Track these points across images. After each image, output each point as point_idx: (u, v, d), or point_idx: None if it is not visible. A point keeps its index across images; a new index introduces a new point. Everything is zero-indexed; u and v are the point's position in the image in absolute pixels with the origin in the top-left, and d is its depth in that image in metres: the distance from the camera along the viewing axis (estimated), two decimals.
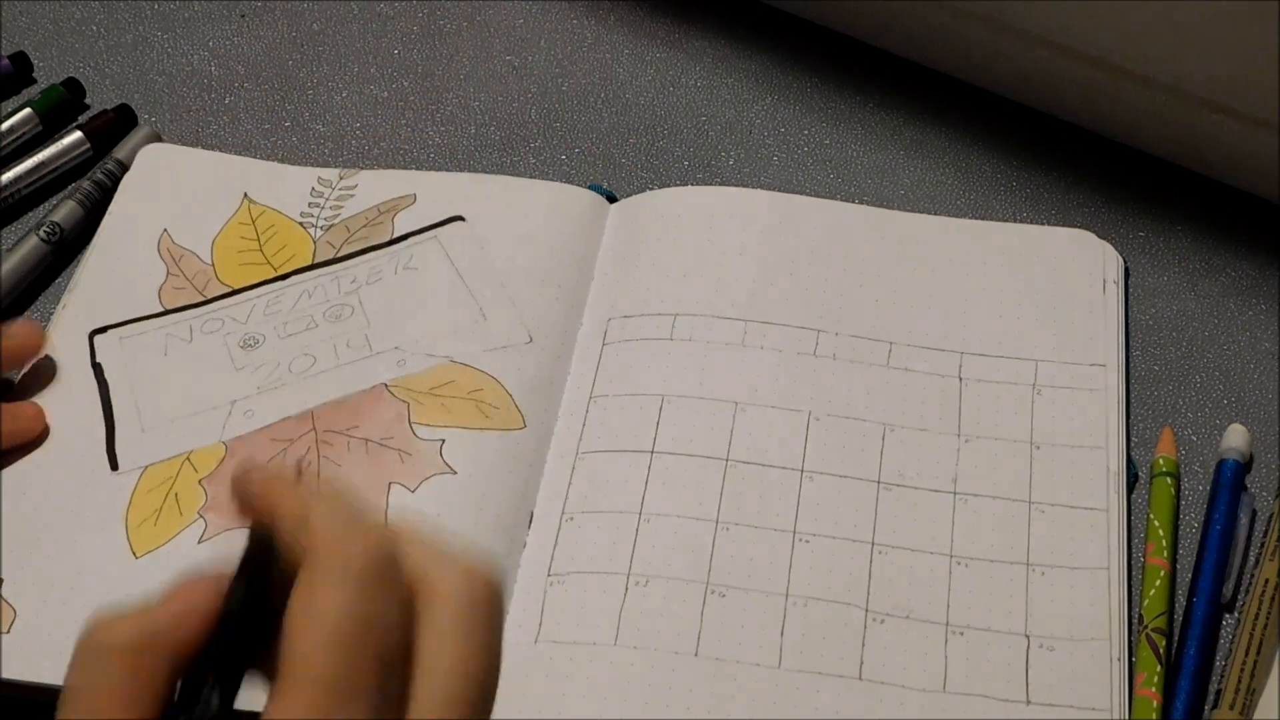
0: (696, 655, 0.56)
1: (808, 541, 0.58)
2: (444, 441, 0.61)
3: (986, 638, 0.56)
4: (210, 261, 0.68)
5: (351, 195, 0.70)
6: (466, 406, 0.62)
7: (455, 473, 0.60)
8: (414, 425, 0.62)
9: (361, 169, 0.71)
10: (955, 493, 0.60)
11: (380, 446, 0.61)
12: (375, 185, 0.70)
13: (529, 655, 0.56)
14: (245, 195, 0.70)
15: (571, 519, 0.60)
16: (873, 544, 0.58)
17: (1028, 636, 0.56)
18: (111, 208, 0.70)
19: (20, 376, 0.64)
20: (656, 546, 0.58)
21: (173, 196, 0.70)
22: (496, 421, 0.62)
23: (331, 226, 0.69)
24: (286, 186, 0.71)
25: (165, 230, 0.69)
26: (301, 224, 0.69)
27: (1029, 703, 0.55)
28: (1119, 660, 0.55)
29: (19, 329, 0.63)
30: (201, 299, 0.67)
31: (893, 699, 0.55)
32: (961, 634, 0.56)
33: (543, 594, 0.58)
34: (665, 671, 0.55)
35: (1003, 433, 0.61)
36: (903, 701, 0.55)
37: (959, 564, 0.58)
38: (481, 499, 0.60)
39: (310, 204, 0.70)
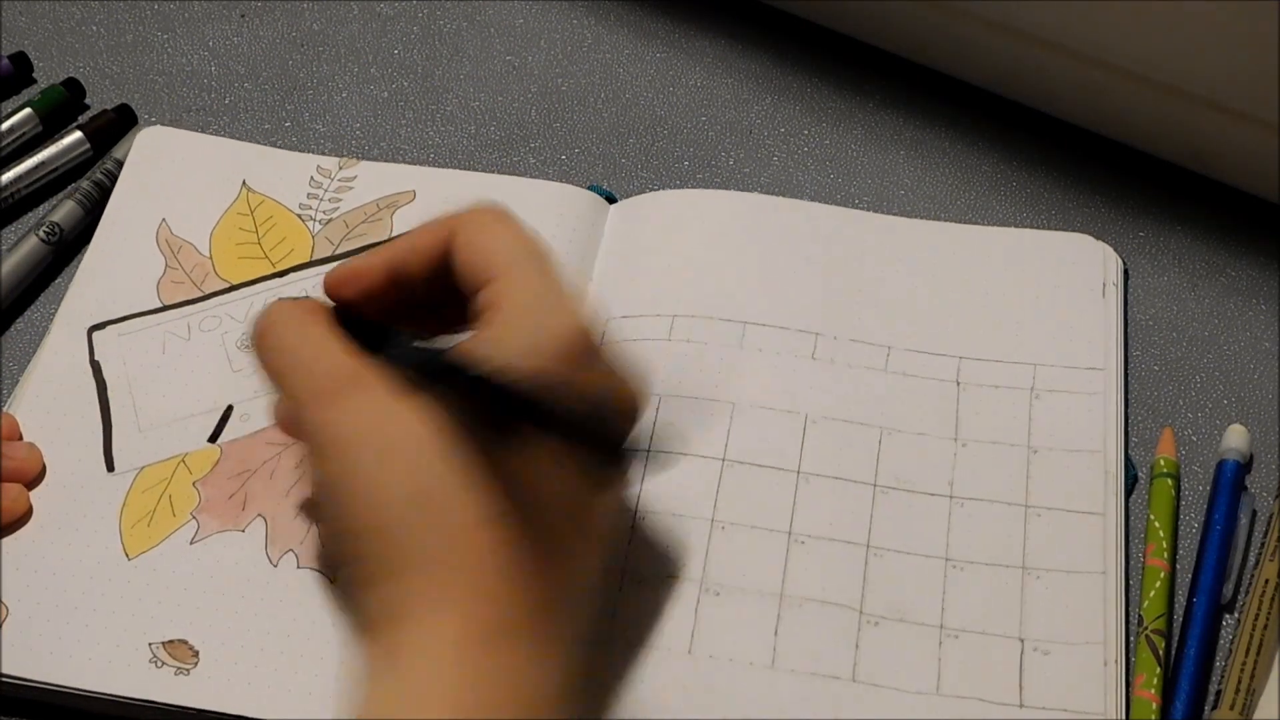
0: (690, 653, 0.56)
1: (803, 543, 0.58)
2: None
3: (981, 641, 0.56)
4: (208, 253, 0.68)
5: (350, 188, 0.70)
6: None
7: None
8: None
9: (361, 159, 0.71)
10: (951, 496, 0.60)
11: None
12: (374, 178, 0.70)
13: None
14: (244, 183, 0.70)
15: None
16: (868, 546, 0.58)
17: (1022, 640, 0.56)
18: (113, 196, 0.70)
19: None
20: (652, 546, 0.58)
21: (171, 183, 0.70)
22: None
23: (330, 221, 0.69)
24: (285, 174, 0.71)
25: (164, 220, 0.69)
26: (300, 216, 0.69)
27: (1022, 705, 0.55)
28: (1115, 663, 0.55)
29: (19, 449, 0.62)
30: (200, 294, 0.67)
31: (886, 701, 0.55)
32: (956, 637, 0.56)
33: None
34: (658, 670, 0.55)
35: (1000, 437, 0.61)
36: (896, 703, 0.55)
37: (954, 567, 0.58)
38: None
39: (309, 194, 0.70)
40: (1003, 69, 0.73)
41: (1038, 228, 0.69)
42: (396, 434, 0.48)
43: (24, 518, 0.60)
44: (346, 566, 0.49)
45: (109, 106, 0.75)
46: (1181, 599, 0.59)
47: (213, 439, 0.62)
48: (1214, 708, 0.56)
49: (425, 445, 0.47)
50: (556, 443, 0.47)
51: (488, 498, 0.47)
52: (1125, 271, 0.67)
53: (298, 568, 0.58)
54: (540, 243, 0.52)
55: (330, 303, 0.54)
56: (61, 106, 0.75)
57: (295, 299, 0.54)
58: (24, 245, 0.69)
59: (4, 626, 0.57)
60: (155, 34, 0.78)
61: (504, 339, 0.49)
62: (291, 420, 0.52)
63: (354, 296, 0.54)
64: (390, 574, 0.47)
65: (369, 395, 0.49)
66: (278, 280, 0.67)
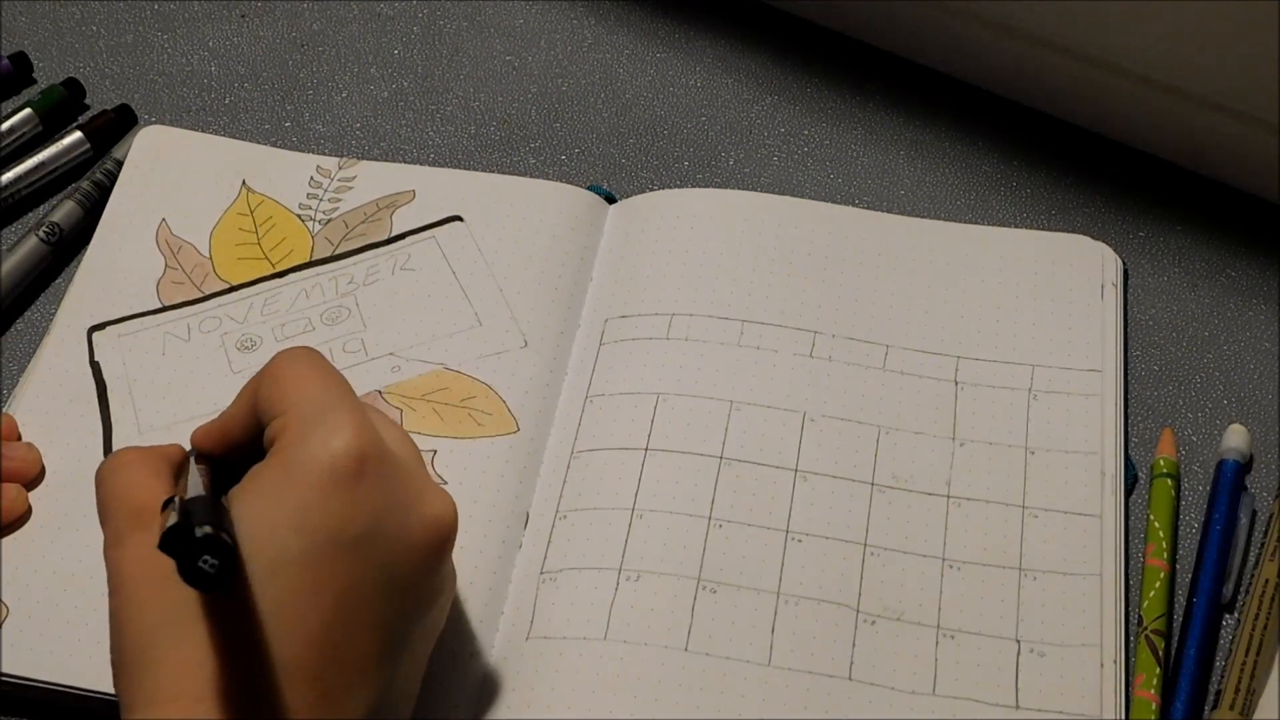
0: (686, 650, 0.56)
1: (800, 541, 0.58)
2: (435, 452, 0.61)
3: (977, 642, 0.56)
4: (208, 254, 0.68)
5: (350, 188, 0.70)
6: (459, 414, 0.62)
7: (446, 483, 0.60)
8: None
9: (361, 159, 0.71)
10: (949, 496, 0.60)
11: None
12: (374, 178, 0.70)
13: (520, 652, 0.56)
14: (244, 183, 0.70)
15: (565, 517, 0.60)
16: (865, 545, 0.58)
17: (1018, 641, 0.56)
18: (112, 196, 0.70)
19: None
20: (649, 542, 0.58)
21: (171, 183, 0.70)
22: (489, 429, 0.62)
23: (330, 221, 0.69)
24: (285, 175, 0.71)
25: (164, 220, 0.69)
26: (300, 216, 0.69)
27: (1018, 707, 0.55)
28: (1113, 664, 0.55)
29: (18, 450, 0.62)
30: (199, 295, 0.67)
31: (882, 700, 0.55)
32: (952, 637, 0.56)
33: (535, 592, 0.58)
34: (655, 666, 0.55)
35: (998, 437, 0.61)
36: (892, 703, 0.55)
37: (951, 567, 0.58)
38: (473, 506, 0.60)
39: (309, 195, 0.70)
40: (1003, 69, 0.73)
41: (1038, 228, 0.69)
42: (141, 575, 0.48)
43: (24, 518, 0.60)
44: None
45: (109, 106, 0.75)
46: (1181, 599, 0.59)
47: None
48: (1214, 708, 0.56)
49: (150, 588, 0.48)
50: None
51: (199, 641, 0.47)
52: (1125, 271, 0.67)
53: None
54: (325, 377, 0.52)
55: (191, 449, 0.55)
56: (61, 106, 0.75)
57: (140, 448, 0.54)
58: (24, 245, 0.69)
59: (4, 626, 0.57)
60: (155, 34, 0.78)
61: (270, 471, 0.49)
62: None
63: (212, 451, 0.54)
64: (127, 705, 0.47)
65: (143, 538, 0.49)
66: (277, 280, 0.67)
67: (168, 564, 0.46)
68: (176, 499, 0.47)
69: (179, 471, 0.52)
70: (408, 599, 0.50)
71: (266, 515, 0.47)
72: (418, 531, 0.49)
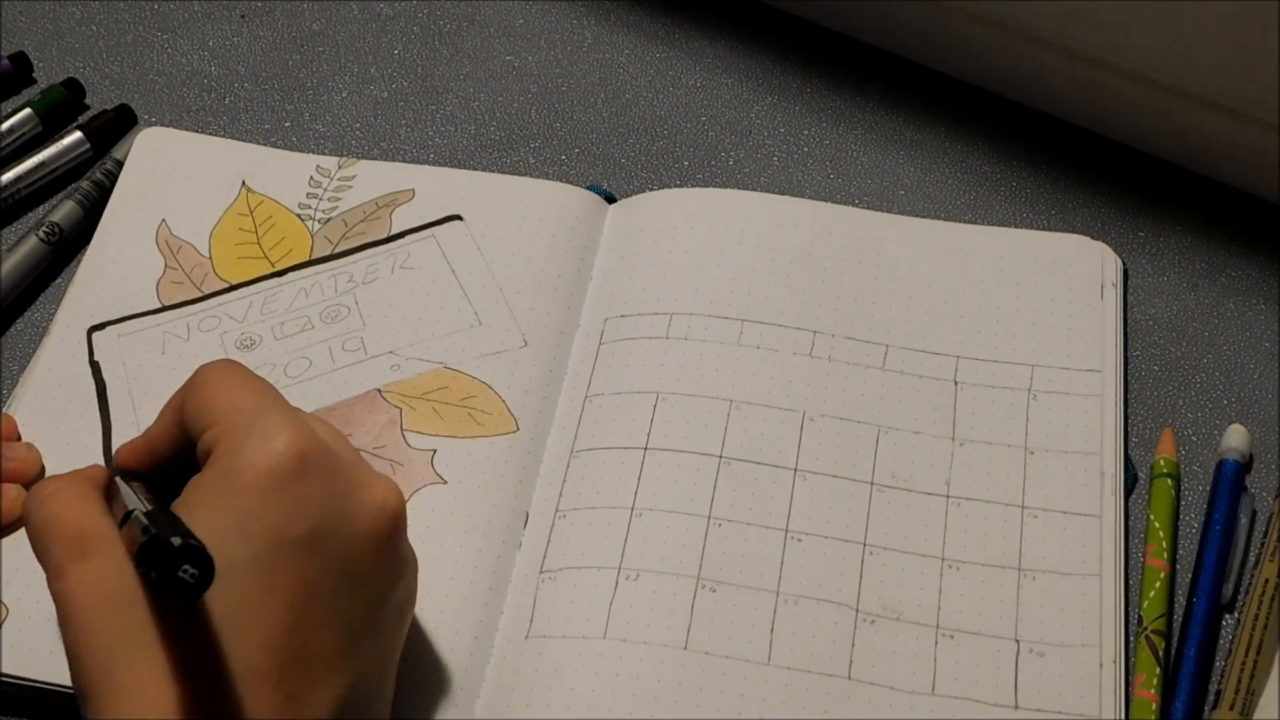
0: (685, 649, 0.56)
1: (800, 540, 0.58)
2: (435, 451, 0.61)
3: (976, 641, 0.56)
4: (208, 254, 0.68)
5: (350, 187, 0.70)
6: (459, 414, 0.62)
7: (446, 482, 0.60)
8: (406, 433, 0.62)
9: (360, 159, 0.71)
10: (948, 496, 0.60)
11: (372, 456, 0.61)
12: (374, 178, 0.70)
13: (519, 651, 0.56)
14: (244, 184, 0.70)
15: (564, 516, 0.60)
16: (864, 545, 0.58)
17: (1017, 641, 0.56)
18: (112, 196, 0.70)
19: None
20: (648, 541, 0.58)
21: (171, 184, 0.70)
22: (489, 428, 0.62)
23: (329, 220, 0.69)
24: (285, 175, 0.71)
25: (164, 220, 0.69)
26: (299, 216, 0.69)
27: (1017, 707, 0.55)
28: (1113, 664, 0.55)
29: (18, 450, 0.62)
30: (199, 295, 0.67)
31: (881, 700, 0.55)
32: (951, 637, 0.56)
33: (534, 591, 0.58)
34: (654, 664, 0.55)
35: (997, 437, 0.61)
36: (891, 703, 0.55)
37: (950, 567, 0.58)
38: (473, 505, 0.60)
39: (309, 194, 0.70)
40: (1003, 69, 0.73)
41: (1038, 228, 0.69)
42: (89, 603, 0.47)
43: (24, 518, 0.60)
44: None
45: (109, 106, 0.75)
46: (1181, 599, 0.59)
47: None
48: (1214, 708, 0.56)
49: (101, 615, 0.47)
50: None
51: (156, 659, 0.46)
52: (1125, 271, 0.67)
53: None
54: (252, 384, 0.52)
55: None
56: (61, 106, 0.75)
57: (62, 475, 0.53)
58: (24, 245, 0.69)
59: (4, 626, 0.57)
60: (155, 34, 0.78)
61: (210, 482, 0.49)
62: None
63: (138, 469, 0.54)
64: None
65: (85, 566, 0.48)
66: (276, 280, 0.67)
67: (116, 588, 0.46)
68: (136, 513, 0.47)
69: (106, 493, 0.52)
70: (365, 589, 0.50)
71: (211, 525, 0.47)
72: (365, 520, 0.50)
